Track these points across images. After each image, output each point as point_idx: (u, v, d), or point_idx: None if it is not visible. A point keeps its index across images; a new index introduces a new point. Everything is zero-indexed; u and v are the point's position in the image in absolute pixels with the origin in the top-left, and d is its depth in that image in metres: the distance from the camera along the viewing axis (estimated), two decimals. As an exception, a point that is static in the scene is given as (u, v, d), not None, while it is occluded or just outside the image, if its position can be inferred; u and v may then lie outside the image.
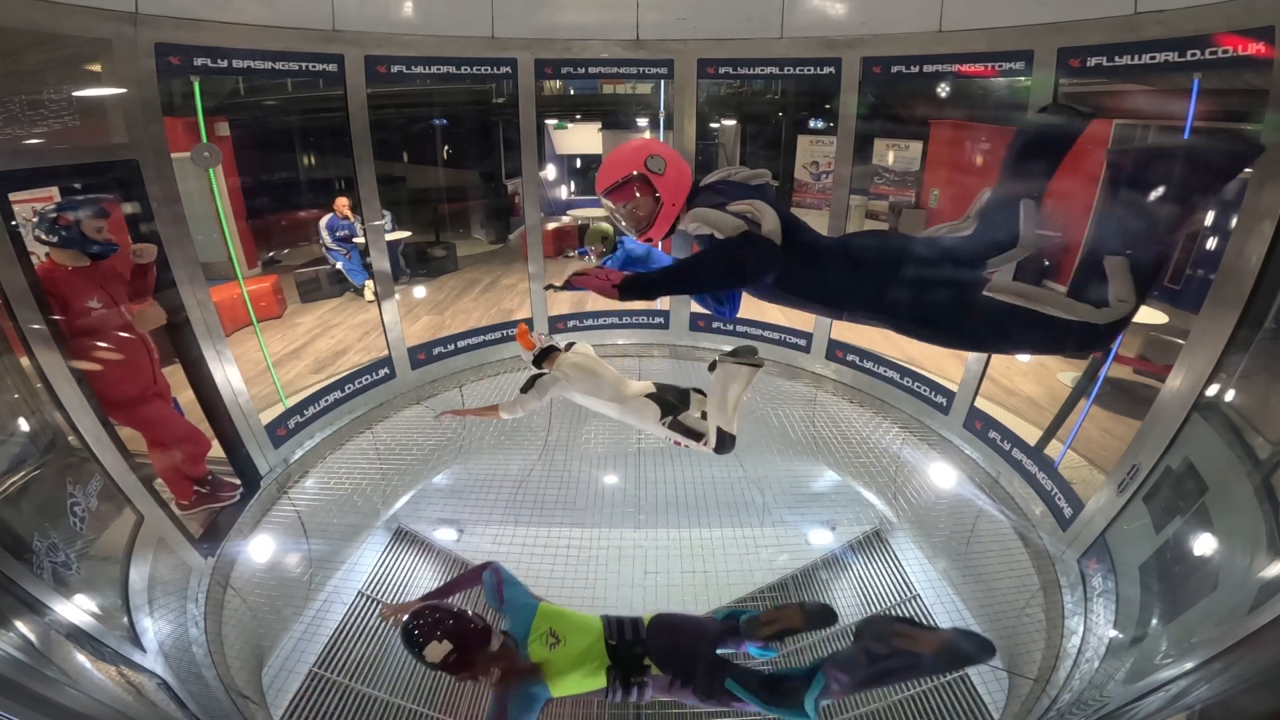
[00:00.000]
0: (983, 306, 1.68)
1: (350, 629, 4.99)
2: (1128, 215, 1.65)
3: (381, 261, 4.88)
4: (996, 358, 4.47)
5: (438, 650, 2.17)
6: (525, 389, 3.53)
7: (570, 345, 3.65)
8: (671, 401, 3.33)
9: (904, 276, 1.77)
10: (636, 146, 2.00)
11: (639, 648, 2.31)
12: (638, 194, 1.98)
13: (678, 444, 3.27)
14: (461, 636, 2.19)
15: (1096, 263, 1.63)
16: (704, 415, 3.22)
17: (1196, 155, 1.67)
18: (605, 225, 4.53)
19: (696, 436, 3.18)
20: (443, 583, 2.96)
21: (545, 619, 2.39)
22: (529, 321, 5.67)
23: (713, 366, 3.09)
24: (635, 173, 1.95)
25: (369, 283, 7.12)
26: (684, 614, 2.55)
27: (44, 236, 3.07)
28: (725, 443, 3.12)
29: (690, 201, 1.99)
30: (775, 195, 2.06)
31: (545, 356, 3.54)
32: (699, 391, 3.37)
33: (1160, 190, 1.60)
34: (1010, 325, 1.68)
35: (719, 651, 2.45)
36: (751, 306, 6.81)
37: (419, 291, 7.79)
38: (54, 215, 3.05)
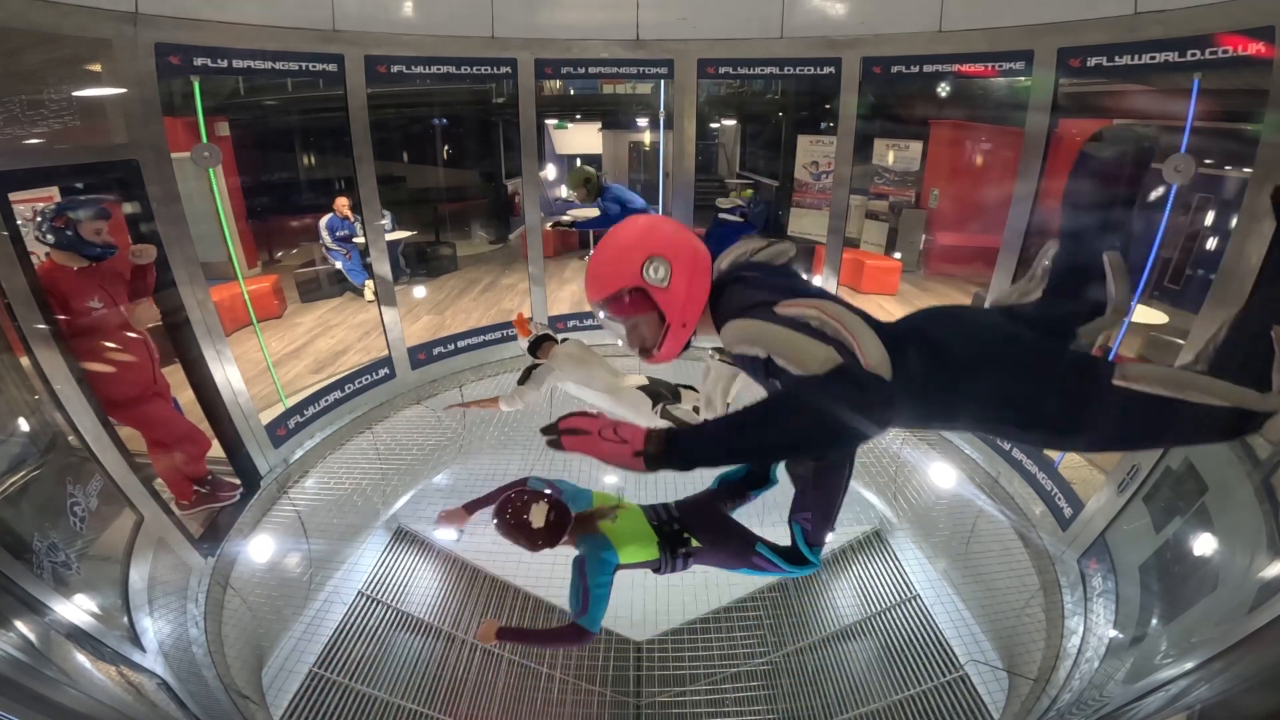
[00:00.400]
0: (1110, 400, 1.23)
1: (350, 629, 5.00)
2: None
3: (382, 264, 4.88)
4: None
5: (540, 511, 2.40)
6: (522, 381, 3.64)
7: (564, 339, 3.73)
8: (663, 394, 3.42)
9: (1015, 374, 1.28)
10: (631, 243, 1.45)
11: (677, 524, 2.50)
12: (636, 310, 1.46)
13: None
14: (553, 500, 2.46)
15: (1256, 333, 1.22)
16: (696, 410, 3.31)
17: None
18: (589, 169, 4.38)
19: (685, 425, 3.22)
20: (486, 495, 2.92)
21: (600, 499, 2.67)
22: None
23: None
24: (629, 287, 1.44)
25: (369, 283, 7.13)
26: (692, 496, 2.60)
27: (43, 238, 3.07)
28: None
29: (715, 301, 1.46)
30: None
31: (539, 346, 3.65)
32: (690, 388, 3.46)
33: None
34: (1149, 418, 1.25)
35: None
36: (751, 306, 6.74)
37: (419, 291, 7.79)
38: (52, 217, 3.05)
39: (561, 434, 1.22)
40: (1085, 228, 1.43)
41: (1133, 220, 1.47)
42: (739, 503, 2.57)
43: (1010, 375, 1.28)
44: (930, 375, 1.27)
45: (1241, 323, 1.29)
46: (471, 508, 3.03)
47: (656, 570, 2.49)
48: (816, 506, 1.96)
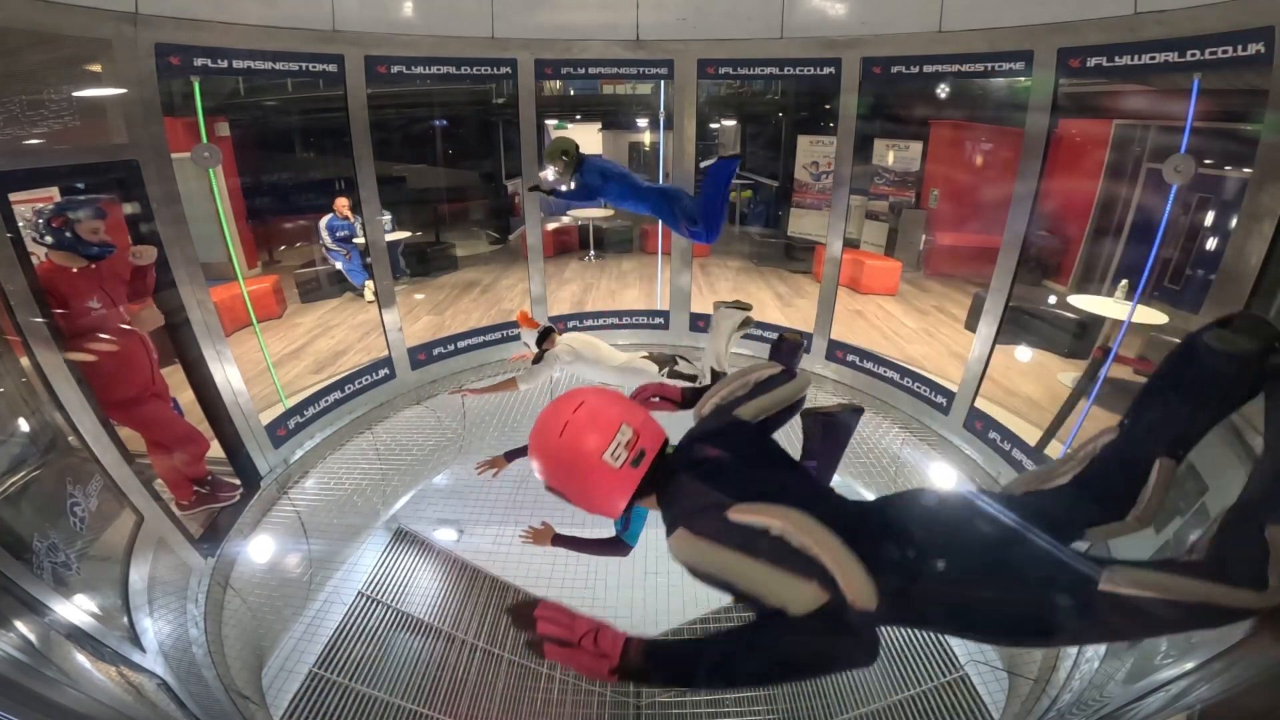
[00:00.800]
0: (1097, 604, 1.12)
1: (350, 629, 5.00)
2: None
3: (383, 266, 4.88)
4: (997, 358, 4.48)
5: None
6: (536, 361, 3.88)
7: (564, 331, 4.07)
8: (664, 359, 3.95)
9: (987, 584, 1.16)
10: (539, 467, 1.37)
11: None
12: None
13: (655, 400, 3.67)
14: None
15: (1243, 533, 1.16)
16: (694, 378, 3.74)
17: None
18: (567, 139, 4.13)
19: (692, 378, 3.71)
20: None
21: None
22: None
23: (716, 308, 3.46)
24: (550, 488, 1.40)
25: (369, 283, 7.13)
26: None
27: (40, 239, 3.06)
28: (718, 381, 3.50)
29: (662, 481, 1.30)
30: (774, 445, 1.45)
31: (545, 337, 3.90)
32: (684, 358, 3.98)
33: None
34: (1135, 619, 1.14)
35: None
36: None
37: (419, 292, 7.80)
38: (50, 218, 3.05)
39: (542, 640, 1.10)
40: (1158, 426, 1.27)
41: (1208, 427, 1.28)
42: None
43: (995, 590, 1.15)
44: (908, 584, 1.16)
45: (1238, 517, 1.18)
46: (511, 456, 3.09)
47: None
48: (823, 455, 1.56)
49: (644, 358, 3.94)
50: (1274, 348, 1.24)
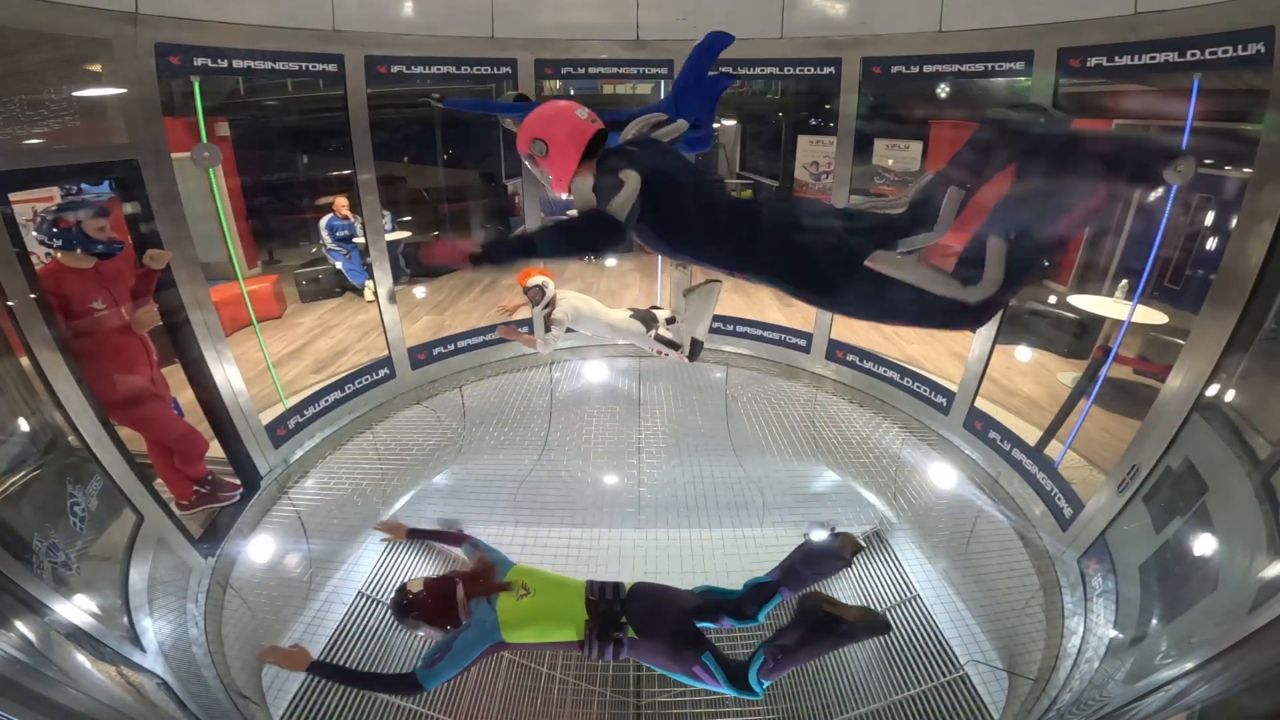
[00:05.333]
0: (861, 276, 1.72)
1: (350, 629, 4.99)
2: (1023, 199, 1.65)
3: (383, 265, 4.88)
4: (997, 358, 4.47)
5: (417, 583, 2.66)
6: (547, 328, 4.28)
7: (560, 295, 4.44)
8: (648, 318, 4.24)
9: (802, 240, 1.77)
10: (526, 126, 2.10)
11: (618, 606, 2.54)
12: (534, 163, 2.14)
13: (659, 353, 4.13)
14: (439, 581, 2.67)
15: (981, 243, 1.64)
16: (671, 320, 4.02)
17: (1103, 149, 1.65)
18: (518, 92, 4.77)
19: (674, 345, 3.99)
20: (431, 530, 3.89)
21: (518, 574, 2.70)
22: (528, 322, 5.67)
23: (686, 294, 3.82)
24: (525, 153, 2.13)
25: (369, 283, 7.12)
26: (663, 585, 2.78)
27: (46, 240, 3.06)
28: (696, 348, 3.92)
29: (600, 161, 2.04)
30: (674, 150, 2.18)
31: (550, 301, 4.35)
32: (657, 307, 4.32)
33: (1058, 180, 1.59)
34: (885, 295, 1.71)
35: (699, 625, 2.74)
36: (751, 308, 6.78)
37: (419, 291, 7.79)
38: (54, 218, 3.05)
39: (420, 254, 1.99)
40: (954, 169, 1.77)
41: (1000, 182, 1.76)
42: (709, 620, 2.65)
43: (792, 235, 1.80)
44: (725, 214, 1.92)
45: (978, 234, 1.68)
46: (413, 533, 3.58)
47: (582, 654, 2.56)
48: (796, 655, 2.61)
49: (631, 317, 4.28)
50: (1043, 109, 1.87)
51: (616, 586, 2.68)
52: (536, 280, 4.42)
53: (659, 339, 4.09)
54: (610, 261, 9.27)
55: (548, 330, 4.26)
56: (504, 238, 1.99)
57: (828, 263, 1.76)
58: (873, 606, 5.28)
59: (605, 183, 1.88)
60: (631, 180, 1.83)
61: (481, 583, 2.63)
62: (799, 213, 1.88)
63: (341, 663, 4.66)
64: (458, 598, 2.54)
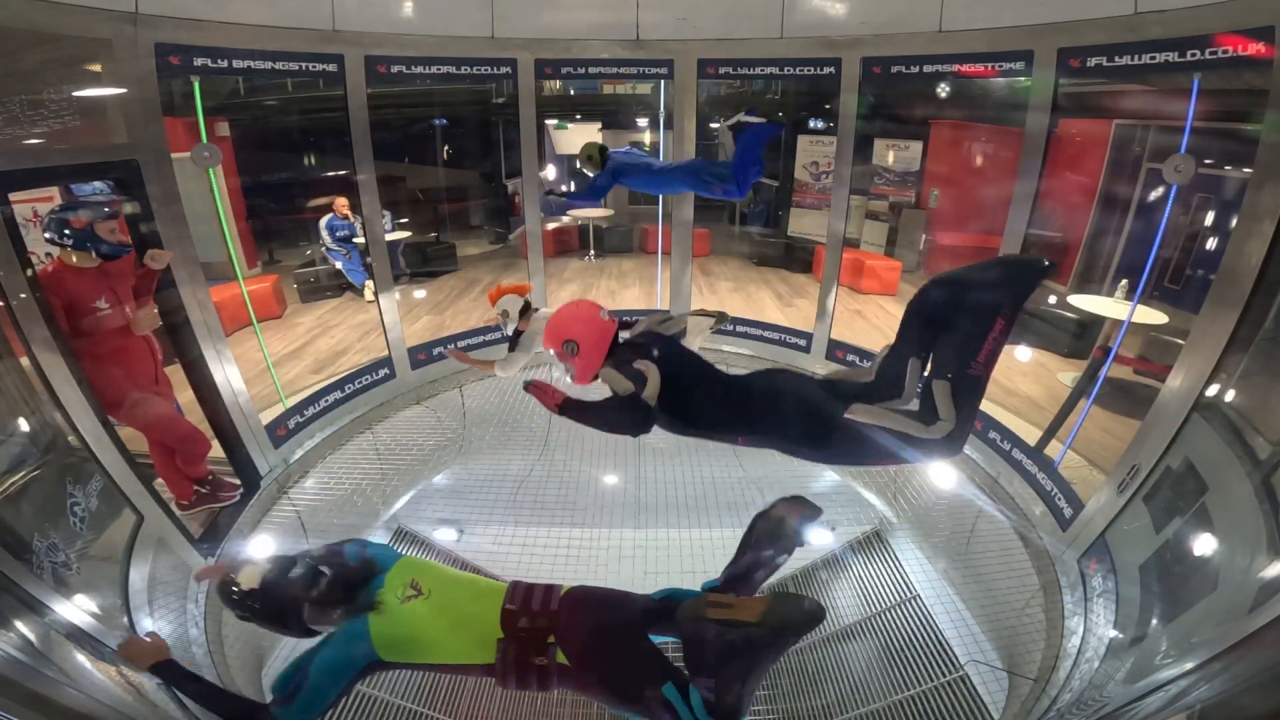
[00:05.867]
0: (845, 429, 2.02)
1: (350, 629, 4.99)
2: (944, 342, 1.93)
3: (383, 264, 4.88)
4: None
5: (251, 574, 1.84)
6: (512, 348, 3.73)
7: (539, 310, 3.87)
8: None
9: (793, 408, 2.13)
10: (555, 326, 2.38)
11: (544, 621, 1.79)
12: (562, 358, 2.41)
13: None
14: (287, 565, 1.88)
15: (929, 389, 1.94)
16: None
17: (986, 283, 1.87)
18: (592, 143, 4.41)
19: None
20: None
21: (407, 570, 1.89)
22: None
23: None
24: (554, 350, 2.40)
25: (369, 283, 7.13)
26: (609, 590, 1.99)
27: (57, 238, 3.07)
28: None
29: (612, 352, 2.37)
30: (677, 343, 2.51)
31: (523, 314, 3.73)
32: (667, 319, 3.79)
33: (959, 318, 1.88)
34: (867, 442, 2.00)
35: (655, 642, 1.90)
36: (751, 308, 6.79)
37: (419, 292, 7.79)
38: (67, 217, 3.05)
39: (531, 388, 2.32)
40: (907, 348, 2.06)
41: (947, 347, 2.00)
42: (669, 633, 1.88)
43: (786, 410, 2.13)
44: (725, 393, 2.25)
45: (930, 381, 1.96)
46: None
47: (497, 682, 1.79)
48: (718, 676, 1.68)
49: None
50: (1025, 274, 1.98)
51: (548, 592, 1.89)
52: (504, 304, 3.75)
53: None
54: (609, 259, 9.27)
55: (512, 349, 3.71)
56: (570, 401, 2.28)
57: (818, 424, 2.08)
58: (872, 607, 5.28)
59: (625, 374, 2.20)
60: (653, 373, 2.18)
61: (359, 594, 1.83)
62: (788, 387, 2.19)
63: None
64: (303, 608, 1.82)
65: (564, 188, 4.48)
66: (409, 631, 1.74)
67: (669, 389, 2.18)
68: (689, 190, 4.48)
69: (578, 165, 4.46)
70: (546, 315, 3.72)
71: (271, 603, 1.81)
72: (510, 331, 3.75)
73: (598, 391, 2.33)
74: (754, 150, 3.99)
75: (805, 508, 2.16)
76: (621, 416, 2.17)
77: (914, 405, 2.01)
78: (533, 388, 2.29)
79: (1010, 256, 1.92)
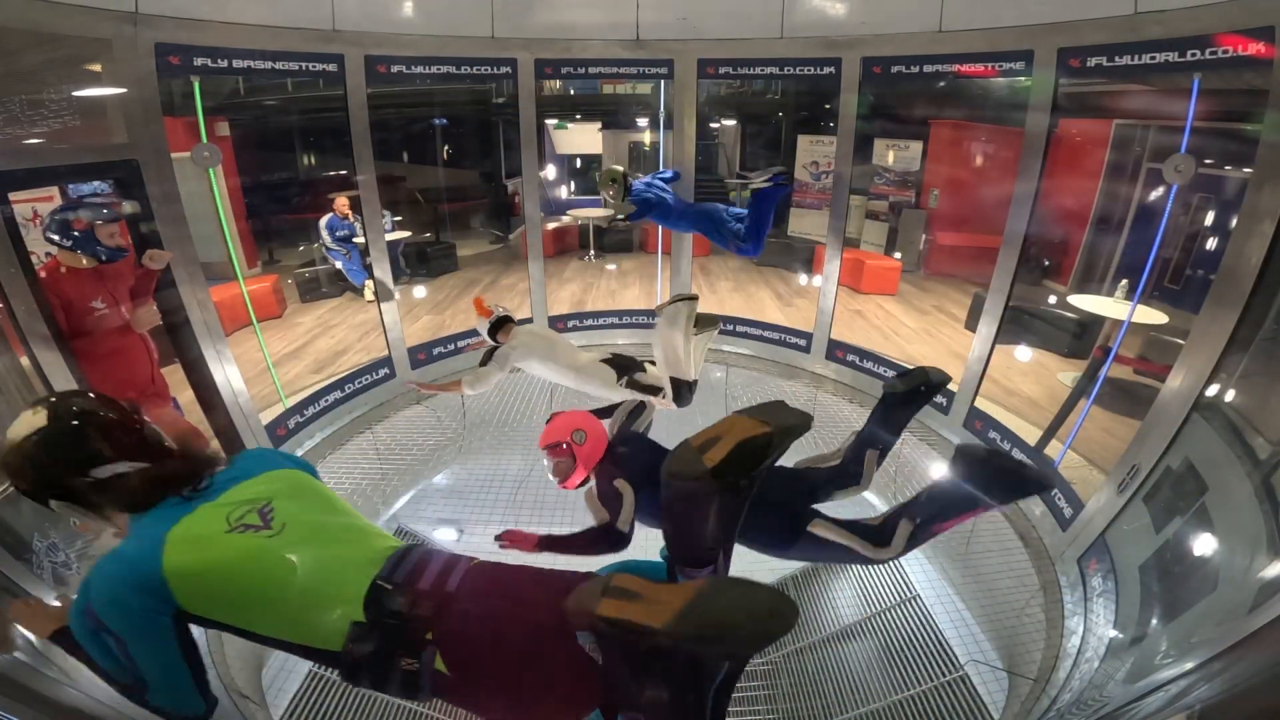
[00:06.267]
0: (808, 537, 2.30)
1: (350, 629, 4.99)
2: (934, 498, 2.18)
3: (384, 265, 4.88)
4: (997, 358, 4.48)
5: (25, 421, 1.13)
6: (484, 362, 3.60)
7: (522, 322, 3.78)
8: (626, 364, 3.52)
9: (766, 507, 2.17)
10: (565, 420, 2.65)
11: (428, 606, 1.14)
12: (563, 453, 2.64)
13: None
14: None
15: (896, 520, 2.22)
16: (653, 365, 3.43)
17: (996, 484, 1.99)
18: (616, 168, 4.46)
19: (654, 391, 3.35)
20: None
21: (270, 488, 1.22)
22: (528, 321, 5.67)
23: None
24: (557, 446, 2.64)
25: (369, 283, 7.12)
26: (537, 569, 1.30)
27: (56, 238, 3.06)
28: (682, 393, 3.32)
29: (607, 456, 2.62)
30: (648, 440, 2.77)
31: (500, 327, 3.64)
32: (652, 362, 3.48)
33: (955, 491, 2.07)
34: (825, 550, 2.29)
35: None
36: (751, 309, 6.77)
37: (419, 291, 7.79)
38: (68, 219, 3.04)
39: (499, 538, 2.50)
40: (870, 435, 2.42)
41: (897, 432, 2.46)
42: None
43: (766, 513, 2.24)
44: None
45: (898, 508, 2.28)
46: None
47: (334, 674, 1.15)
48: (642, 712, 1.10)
49: (605, 361, 3.54)
50: (919, 390, 2.38)
51: (448, 565, 1.23)
52: (480, 325, 3.67)
53: (632, 385, 3.38)
54: (610, 266, 9.28)
55: (484, 364, 3.54)
56: (546, 539, 2.48)
57: (784, 532, 2.32)
58: (872, 607, 5.29)
59: (605, 491, 2.47)
60: (628, 494, 2.41)
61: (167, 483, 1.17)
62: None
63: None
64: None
65: (621, 215, 4.55)
66: (224, 576, 1.09)
67: (646, 496, 2.44)
68: (704, 234, 4.61)
69: (600, 191, 4.53)
70: (528, 330, 3.70)
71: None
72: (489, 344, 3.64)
73: (572, 510, 2.49)
74: (769, 213, 4.17)
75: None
76: (598, 547, 2.39)
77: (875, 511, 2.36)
78: (505, 537, 2.41)
79: (1031, 471, 2.01)
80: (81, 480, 1.13)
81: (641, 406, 2.93)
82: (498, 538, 2.41)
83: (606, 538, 2.37)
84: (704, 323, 3.34)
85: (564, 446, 2.57)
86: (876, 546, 2.18)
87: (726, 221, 4.44)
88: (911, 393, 2.36)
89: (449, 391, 3.73)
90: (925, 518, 2.15)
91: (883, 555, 2.17)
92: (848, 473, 2.41)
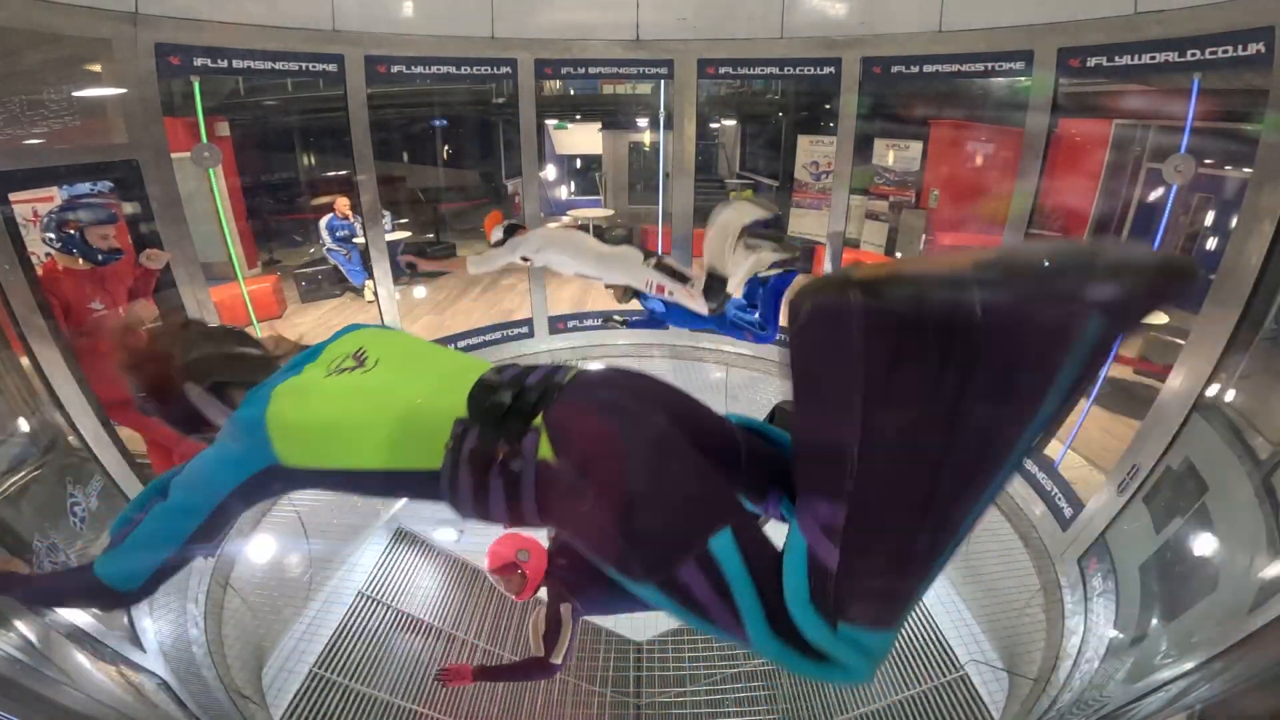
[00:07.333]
0: None
1: (350, 629, 4.99)
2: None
3: (382, 264, 4.88)
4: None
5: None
6: (498, 245, 3.38)
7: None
8: (652, 252, 3.31)
9: None
10: (507, 541, 2.68)
11: (535, 394, 1.03)
12: (512, 572, 2.72)
13: (659, 291, 3.19)
14: None
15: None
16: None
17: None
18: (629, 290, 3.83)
19: (682, 278, 3.09)
20: None
21: (361, 339, 1.29)
22: (529, 322, 5.67)
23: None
24: (504, 566, 2.69)
25: (369, 283, 7.12)
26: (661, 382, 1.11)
27: (50, 242, 3.05)
28: (715, 287, 2.97)
29: (549, 568, 2.69)
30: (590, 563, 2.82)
31: (513, 231, 3.49)
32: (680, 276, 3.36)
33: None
34: None
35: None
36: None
37: (419, 291, 7.79)
38: (60, 222, 3.03)
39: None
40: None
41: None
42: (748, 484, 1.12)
43: None
44: None
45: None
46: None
47: (439, 492, 1.03)
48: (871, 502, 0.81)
49: (630, 247, 3.41)
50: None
51: (556, 368, 1.10)
52: (497, 233, 3.46)
53: (660, 267, 3.14)
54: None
55: (498, 245, 3.37)
56: (482, 669, 2.66)
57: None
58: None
59: (552, 613, 2.51)
60: (567, 627, 2.46)
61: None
62: None
63: (341, 662, 4.66)
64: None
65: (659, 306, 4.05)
66: (324, 413, 1.08)
67: (594, 594, 2.53)
68: (716, 329, 4.21)
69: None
70: (545, 226, 3.50)
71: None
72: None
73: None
74: (779, 299, 3.80)
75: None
76: (532, 676, 2.59)
77: None
78: (444, 675, 2.60)
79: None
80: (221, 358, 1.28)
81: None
82: (437, 676, 2.62)
83: (540, 668, 2.48)
84: (765, 241, 2.98)
85: (512, 566, 2.66)
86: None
87: (740, 317, 4.04)
88: None
89: (450, 270, 3.56)
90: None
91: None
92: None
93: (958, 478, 0.69)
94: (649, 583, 0.92)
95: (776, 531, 0.95)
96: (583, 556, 1.95)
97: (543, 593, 2.72)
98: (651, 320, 4.13)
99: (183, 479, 1.10)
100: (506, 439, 0.99)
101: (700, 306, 3.04)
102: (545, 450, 0.97)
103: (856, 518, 0.74)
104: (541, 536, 2.79)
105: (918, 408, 0.65)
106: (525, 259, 3.30)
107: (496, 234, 3.42)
